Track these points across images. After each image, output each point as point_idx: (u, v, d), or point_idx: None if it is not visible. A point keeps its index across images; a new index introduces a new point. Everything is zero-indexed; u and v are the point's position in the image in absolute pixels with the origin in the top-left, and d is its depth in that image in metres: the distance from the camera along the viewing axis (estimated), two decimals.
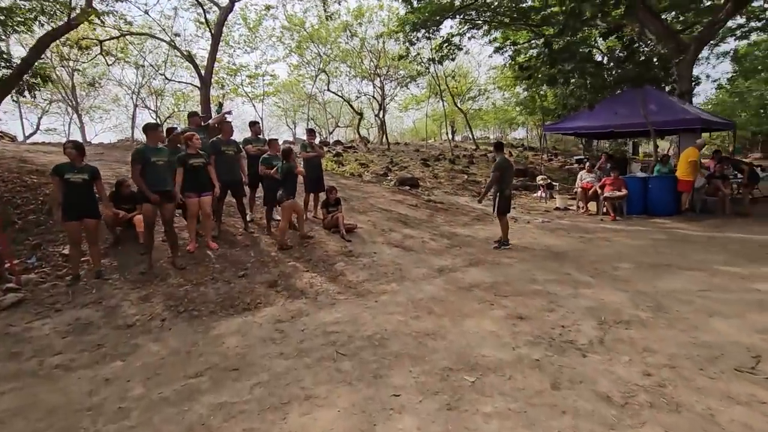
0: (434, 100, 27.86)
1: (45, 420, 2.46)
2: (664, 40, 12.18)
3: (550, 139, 26.82)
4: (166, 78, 22.74)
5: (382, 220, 7.70)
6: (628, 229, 7.84)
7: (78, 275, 4.48)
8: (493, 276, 4.98)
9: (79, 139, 22.83)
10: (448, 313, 3.83)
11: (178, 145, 5.58)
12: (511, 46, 17.74)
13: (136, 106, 26.95)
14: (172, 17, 19.58)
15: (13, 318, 3.76)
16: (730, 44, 21.96)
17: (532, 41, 17.65)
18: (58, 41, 15.39)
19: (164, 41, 18.28)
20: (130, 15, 33.99)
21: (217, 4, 15.29)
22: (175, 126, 6.09)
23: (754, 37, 19.93)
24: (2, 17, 7.69)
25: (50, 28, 8.62)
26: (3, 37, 11.86)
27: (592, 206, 10.01)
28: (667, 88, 13.73)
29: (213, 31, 14.71)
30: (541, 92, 19.98)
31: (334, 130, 35.85)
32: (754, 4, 14.54)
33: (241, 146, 6.43)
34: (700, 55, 14.83)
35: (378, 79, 25.74)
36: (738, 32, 18.74)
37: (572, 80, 10.83)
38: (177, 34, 18.98)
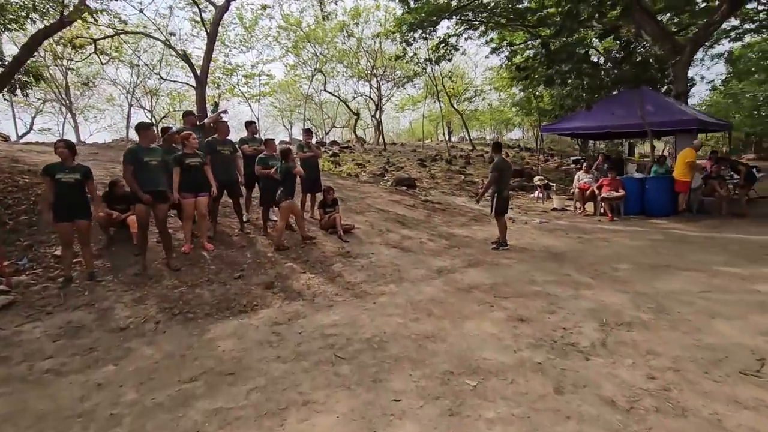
0: (431, 101, 27.88)
1: (34, 427, 2.38)
2: (660, 42, 12.23)
3: (546, 140, 26.91)
4: (161, 77, 22.56)
5: (380, 221, 7.65)
6: (626, 229, 7.83)
7: (70, 277, 4.39)
8: (492, 277, 4.94)
9: (74, 139, 22.63)
10: (447, 315, 3.78)
11: (174, 144, 5.51)
12: (508, 47, 17.77)
13: (131, 105, 26.78)
14: (168, 16, 19.48)
15: (2, 321, 3.66)
16: (725, 46, 22.16)
17: (529, 42, 17.69)
18: (51, 40, 15.25)
19: (159, 40, 18.12)
20: (125, 14, 33.76)
21: (213, 3, 15.18)
22: (170, 126, 6.00)
23: (748, 39, 20.09)
24: None
25: (43, 26, 8.50)
26: None
27: (590, 207, 10.00)
28: (663, 89, 13.80)
29: (209, 31, 14.61)
30: (537, 93, 20.02)
31: (330, 130, 35.76)
32: (749, 6, 14.65)
33: (237, 146, 6.35)
34: (694, 57, 14.90)
35: (375, 79, 25.69)
36: (732, 34, 18.90)
37: (569, 81, 10.81)
38: (172, 34, 18.83)
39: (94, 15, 10.40)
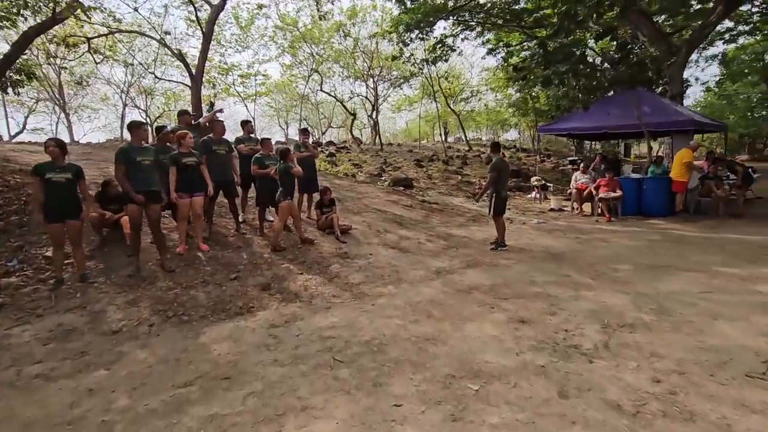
0: (427, 101, 27.88)
1: None
2: (656, 43, 12.26)
3: (542, 141, 26.97)
4: (156, 77, 22.39)
5: (377, 221, 7.58)
6: (624, 230, 7.82)
7: (61, 279, 4.29)
8: (491, 278, 4.88)
9: (67, 138, 22.38)
10: (447, 317, 3.72)
11: (168, 144, 5.41)
12: (504, 48, 17.77)
13: (125, 105, 26.55)
14: (163, 15, 19.16)
15: None
16: (719, 48, 22.26)
17: (525, 43, 17.70)
18: (44, 38, 15.07)
19: (154, 39, 17.97)
20: (119, 12, 33.42)
21: (208, 2, 15.04)
22: (165, 125, 5.90)
23: (741, 40, 20.22)
24: None
25: (35, 23, 8.37)
26: None
27: (587, 207, 9.99)
28: (658, 90, 13.84)
29: (204, 30, 14.47)
30: (534, 94, 20.05)
31: (326, 130, 35.64)
32: (743, 7, 14.72)
33: (232, 145, 6.26)
34: (689, 58, 14.96)
35: (371, 79, 25.62)
36: (726, 36, 18.99)
37: (567, 81, 10.83)
38: (167, 33, 18.64)
39: (87, 13, 10.25)
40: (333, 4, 17.86)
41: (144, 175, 4.58)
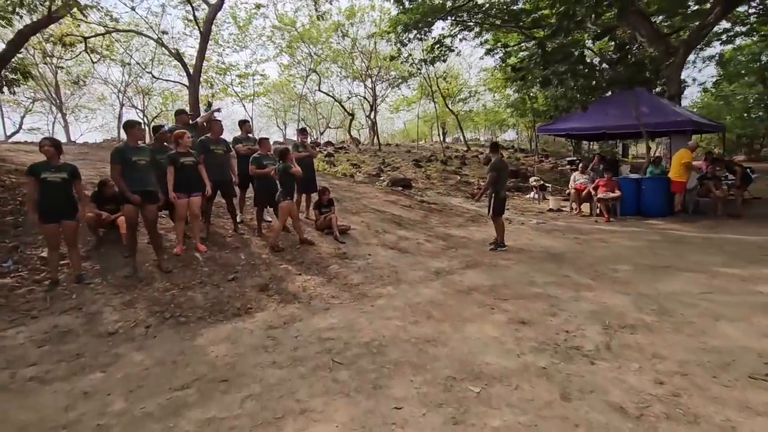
0: (425, 102, 27.88)
1: None
2: (655, 43, 12.27)
3: (540, 141, 26.98)
4: (154, 76, 22.30)
5: (376, 221, 7.55)
6: (623, 230, 7.81)
7: (57, 280, 4.24)
8: (491, 278, 4.86)
9: (64, 138, 22.28)
10: (447, 318, 3.69)
11: (165, 143, 5.36)
12: (502, 49, 17.77)
13: (122, 105, 26.46)
14: (160, 14, 19.19)
15: None
16: (716, 48, 22.33)
17: (523, 44, 17.71)
18: (41, 37, 14.99)
19: (152, 39, 17.89)
20: (116, 11, 33.27)
21: (206, 2, 14.99)
22: (162, 124, 5.85)
23: (738, 41, 20.29)
24: None
25: (30, 22, 8.30)
26: None
27: (586, 207, 9.99)
28: (656, 91, 13.86)
29: (202, 29, 14.42)
30: (532, 94, 20.07)
31: (324, 130, 35.61)
32: (740, 8, 14.77)
33: (230, 145, 6.22)
34: (687, 59, 15.00)
35: (369, 79, 25.62)
36: (724, 36, 19.04)
37: (565, 82, 10.82)
38: (165, 32, 18.58)
39: (84, 11, 10.16)
40: (331, 4, 17.88)
41: (140, 175, 4.54)
